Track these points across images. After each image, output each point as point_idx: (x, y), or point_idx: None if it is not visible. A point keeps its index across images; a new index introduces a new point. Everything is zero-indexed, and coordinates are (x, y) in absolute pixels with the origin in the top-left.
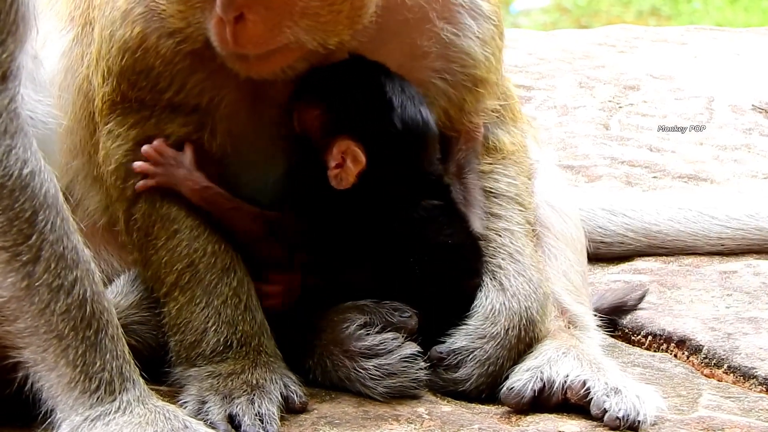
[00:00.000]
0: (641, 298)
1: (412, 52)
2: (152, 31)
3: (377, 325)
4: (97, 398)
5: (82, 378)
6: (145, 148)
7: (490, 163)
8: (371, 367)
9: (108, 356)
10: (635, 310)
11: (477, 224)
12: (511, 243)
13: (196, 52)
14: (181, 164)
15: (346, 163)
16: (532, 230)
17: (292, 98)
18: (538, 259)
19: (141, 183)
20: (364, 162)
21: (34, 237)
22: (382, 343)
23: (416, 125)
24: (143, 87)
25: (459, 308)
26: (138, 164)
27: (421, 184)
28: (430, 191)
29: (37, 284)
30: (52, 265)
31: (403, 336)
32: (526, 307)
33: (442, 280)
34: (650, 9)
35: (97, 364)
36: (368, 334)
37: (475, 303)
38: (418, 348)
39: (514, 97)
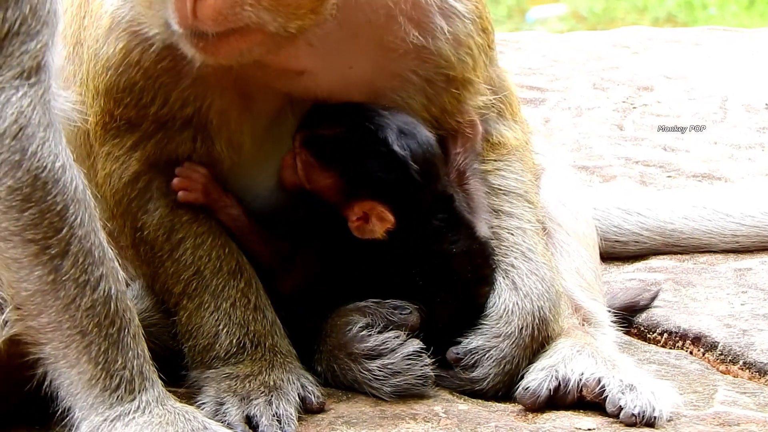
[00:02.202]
0: (653, 298)
1: (381, 46)
2: (134, 46)
3: (379, 325)
4: (117, 397)
5: (103, 375)
6: (176, 181)
7: (495, 159)
8: (375, 367)
9: (130, 354)
10: (647, 309)
11: (483, 229)
12: (524, 241)
13: (174, 66)
14: (211, 186)
15: (371, 219)
16: (542, 228)
17: (295, 152)
18: (549, 257)
19: (181, 194)
20: (392, 220)
21: (64, 231)
22: (384, 343)
23: (427, 162)
24: (128, 104)
25: (470, 315)
26: (181, 194)
27: (431, 203)
28: (436, 205)
29: (63, 278)
30: (80, 260)
31: (405, 334)
32: (539, 307)
33: (451, 290)
34: (666, 16)
35: (119, 362)
36: (370, 335)
37: (488, 302)
38: (420, 345)
39: (513, 93)
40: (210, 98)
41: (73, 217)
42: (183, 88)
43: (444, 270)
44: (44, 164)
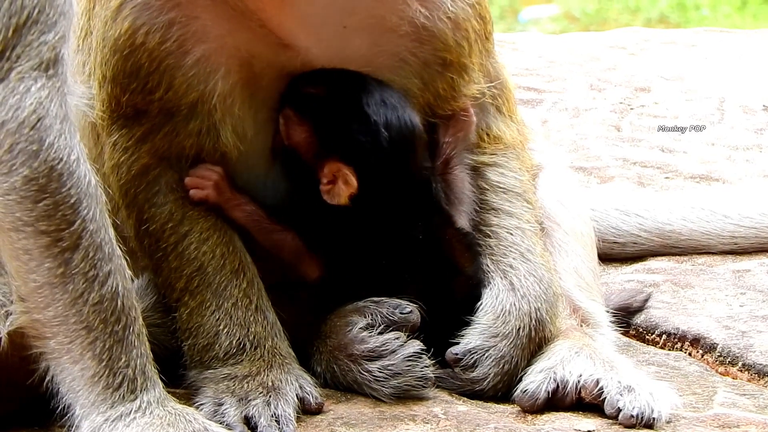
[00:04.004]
0: (646, 301)
1: (382, 24)
2: (141, 26)
3: (380, 325)
4: (119, 396)
5: (106, 373)
6: (188, 180)
7: (492, 153)
8: (375, 369)
9: (133, 353)
10: (641, 311)
11: (461, 222)
12: (522, 241)
13: (179, 48)
14: (223, 184)
15: (338, 182)
16: (540, 228)
17: (280, 108)
18: (548, 258)
19: (193, 192)
20: (355, 185)
21: (76, 224)
22: (384, 344)
23: (402, 136)
24: (134, 89)
25: (451, 306)
26: (193, 192)
27: (402, 184)
28: (409, 189)
29: (73, 272)
30: (90, 254)
31: (405, 334)
32: (536, 308)
33: (422, 279)
34: (659, 16)
35: (122, 360)
36: (370, 336)
37: (486, 302)
38: (421, 346)
39: (510, 90)
40: (213, 81)
41: (86, 210)
42: (186, 69)
43: (415, 257)
44: (60, 156)
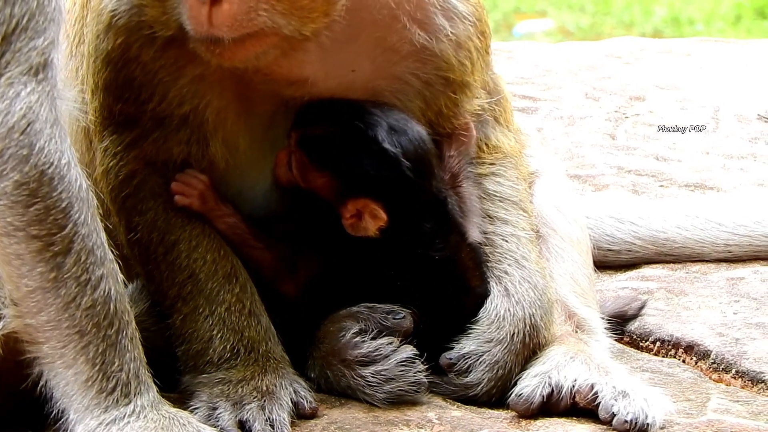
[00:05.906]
0: (641, 308)
1: (383, 46)
2: (134, 41)
3: (372, 331)
4: (113, 400)
5: (99, 377)
6: (174, 185)
7: (491, 163)
8: (368, 374)
9: (127, 357)
10: (635, 319)
11: (475, 234)
12: (518, 249)
13: (174, 63)
14: (209, 194)
15: (364, 217)
16: (536, 236)
17: (289, 151)
18: (543, 265)
19: (178, 198)
20: (385, 218)
21: (68, 228)
22: (377, 350)
23: (420, 157)
24: (127, 99)
25: (458, 322)
26: (177, 198)
27: (424, 204)
28: (429, 207)
29: (65, 276)
30: (82, 258)
31: (398, 339)
32: (530, 314)
33: (433, 296)
34: (653, 31)
35: (116, 364)
36: (363, 342)
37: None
38: (414, 351)
39: (508, 100)
40: (208, 97)
41: (78, 214)
42: (181, 85)
43: (428, 275)
44: (51, 160)
